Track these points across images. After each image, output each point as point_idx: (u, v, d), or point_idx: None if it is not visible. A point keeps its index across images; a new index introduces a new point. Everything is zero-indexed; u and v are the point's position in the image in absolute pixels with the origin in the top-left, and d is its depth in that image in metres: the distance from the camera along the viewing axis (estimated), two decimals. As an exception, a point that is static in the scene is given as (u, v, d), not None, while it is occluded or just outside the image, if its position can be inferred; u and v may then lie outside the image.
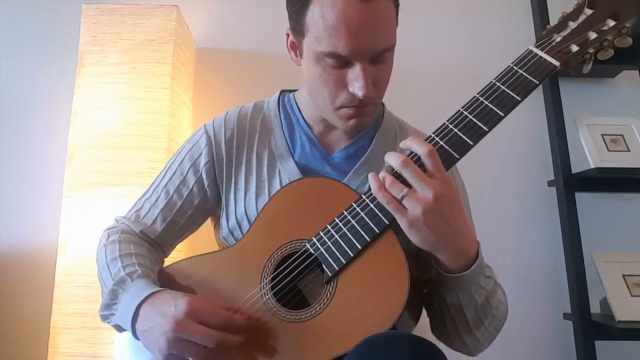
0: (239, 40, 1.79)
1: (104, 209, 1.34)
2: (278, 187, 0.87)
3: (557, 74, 1.44)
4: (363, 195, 0.75)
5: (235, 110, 0.96)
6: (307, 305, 0.74)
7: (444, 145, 0.73)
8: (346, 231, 0.74)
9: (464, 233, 0.71)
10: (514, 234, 1.72)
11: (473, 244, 0.73)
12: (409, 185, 0.69)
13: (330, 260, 0.73)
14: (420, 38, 1.82)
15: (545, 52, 0.76)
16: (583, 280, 1.58)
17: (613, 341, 1.56)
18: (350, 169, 0.89)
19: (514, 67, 0.76)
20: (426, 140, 0.74)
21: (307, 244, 0.76)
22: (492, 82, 0.76)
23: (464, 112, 0.75)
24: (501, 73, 0.76)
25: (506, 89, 0.74)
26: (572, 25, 0.77)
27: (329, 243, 0.74)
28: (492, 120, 0.73)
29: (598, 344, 1.53)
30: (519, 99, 0.73)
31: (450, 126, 0.74)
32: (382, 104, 0.97)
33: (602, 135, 1.66)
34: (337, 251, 0.73)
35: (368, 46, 0.75)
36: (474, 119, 0.73)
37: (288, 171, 0.89)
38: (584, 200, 1.70)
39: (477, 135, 0.73)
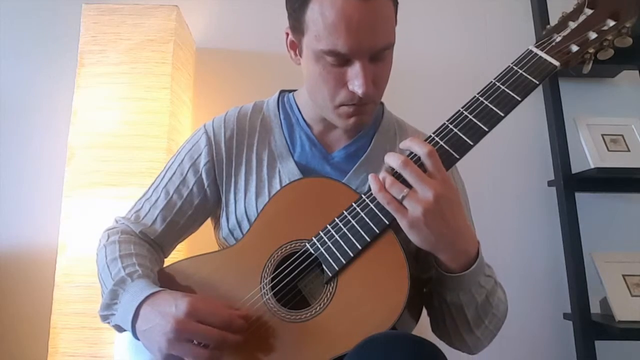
0: (239, 40, 1.79)
1: (104, 209, 1.34)
2: (278, 187, 0.87)
3: (557, 74, 1.44)
4: (363, 195, 0.75)
5: (234, 110, 0.96)
6: (307, 305, 0.74)
7: (444, 145, 0.73)
8: (346, 231, 0.74)
9: (464, 233, 0.71)
10: (514, 234, 1.72)
11: (473, 243, 0.73)
12: (409, 186, 0.69)
13: (330, 261, 0.73)
14: (420, 38, 1.82)
15: (545, 52, 0.76)
16: (583, 280, 1.58)
17: (613, 341, 1.56)
18: (350, 169, 0.89)
19: (514, 67, 0.76)
20: (426, 140, 0.74)
21: (307, 244, 0.76)
22: (492, 82, 0.76)
23: (464, 112, 0.75)
24: (501, 73, 0.76)
25: (506, 89, 0.74)
26: (572, 25, 0.77)
27: (329, 243, 0.74)
28: (492, 120, 0.73)
29: (598, 344, 1.53)
30: (519, 99, 0.74)
31: (450, 126, 0.74)
32: (382, 103, 0.98)
33: (602, 135, 1.66)
34: (337, 251, 0.73)
35: (368, 44, 0.75)
36: (474, 119, 0.74)
37: (288, 171, 0.89)
38: (584, 200, 1.70)
39: (477, 135, 0.73)
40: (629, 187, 1.67)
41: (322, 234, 0.75)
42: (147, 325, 0.69)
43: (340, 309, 0.71)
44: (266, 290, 0.75)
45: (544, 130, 1.77)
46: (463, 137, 0.73)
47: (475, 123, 0.73)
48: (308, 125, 0.93)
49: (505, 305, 0.81)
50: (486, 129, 0.73)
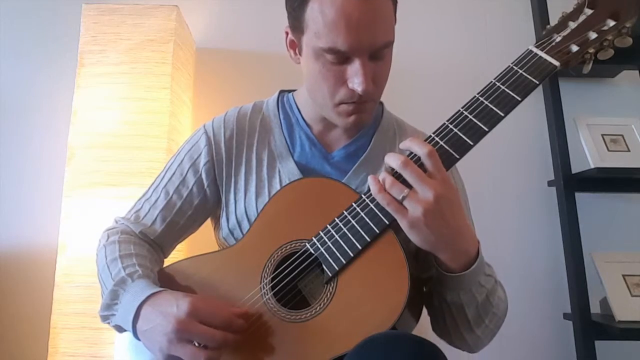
0: (239, 40, 1.79)
1: (104, 209, 1.34)
2: (278, 187, 0.87)
3: (557, 74, 1.44)
4: (363, 195, 0.75)
5: (234, 110, 0.96)
6: (307, 305, 0.74)
7: (444, 145, 0.73)
8: (346, 231, 0.74)
9: (464, 233, 0.71)
10: (514, 234, 1.72)
11: (473, 243, 0.73)
12: (409, 186, 0.69)
13: (330, 260, 0.73)
14: (420, 38, 1.82)
15: (545, 52, 0.76)
16: (583, 280, 1.58)
17: (613, 341, 1.56)
18: (349, 168, 0.89)
19: (514, 67, 0.76)
20: (426, 140, 0.74)
21: (307, 244, 0.76)
22: (492, 82, 0.76)
23: (464, 112, 0.75)
24: (501, 73, 0.76)
25: (506, 89, 0.74)
26: (572, 25, 0.77)
27: (329, 243, 0.74)
28: (492, 120, 0.73)
29: (598, 344, 1.53)
30: (519, 99, 0.74)
31: (450, 126, 0.74)
32: (381, 103, 0.98)
33: (602, 135, 1.66)
34: (337, 251, 0.73)
35: (367, 41, 0.75)
36: (474, 119, 0.74)
37: (288, 171, 0.89)
38: (584, 200, 1.70)
39: (477, 135, 0.73)
40: (629, 187, 1.67)
41: (322, 234, 0.75)
42: (148, 326, 0.69)
43: (340, 309, 0.71)
44: (266, 290, 0.76)
45: (544, 130, 1.77)
46: (463, 137, 0.73)
47: (475, 123, 0.73)
48: (308, 125, 0.93)
49: (506, 304, 0.82)
50: (486, 129, 0.73)
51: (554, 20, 0.81)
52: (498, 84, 0.75)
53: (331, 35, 0.74)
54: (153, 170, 1.34)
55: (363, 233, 0.73)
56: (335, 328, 0.70)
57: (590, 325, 1.53)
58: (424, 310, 0.86)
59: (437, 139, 0.74)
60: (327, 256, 0.74)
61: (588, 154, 1.62)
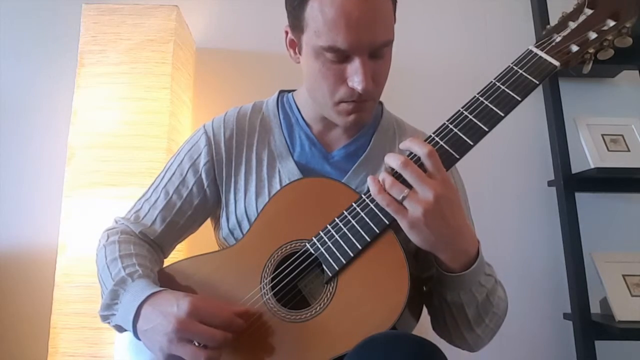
0: (239, 40, 1.79)
1: (104, 209, 1.34)
2: (278, 187, 0.87)
3: (557, 74, 1.44)
4: (363, 195, 0.75)
5: (234, 110, 0.96)
6: (307, 305, 0.74)
7: (444, 145, 0.73)
8: (346, 231, 0.74)
9: (464, 232, 0.71)
10: (514, 234, 1.72)
11: (473, 243, 0.73)
12: (409, 186, 0.69)
13: (331, 260, 0.73)
14: (420, 38, 1.82)
15: (545, 52, 0.76)
16: (583, 280, 1.58)
17: (613, 341, 1.56)
18: (349, 168, 0.89)
19: (514, 67, 0.76)
20: (426, 140, 0.74)
21: (307, 244, 0.76)
22: (492, 82, 0.76)
23: (464, 112, 0.75)
24: (501, 73, 0.76)
25: (506, 89, 0.74)
26: (572, 25, 0.77)
27: (329, 243, 0.74)
28: (492, 120, 0.73)
29: (598, 344, 1.53)
30: (519, 99, 0.74)
31: (450, 126, 0.74)
32: (381, 103, 0.98)
33: (602, 135, 1.66)
34: (337, 251, 0.73)
35: (367, 40, 0.75)
36: (474, 119, 0.74)
37: (288, 171, 0.89)
38: (584, 200, 1.70)
39: (477, 135, 0.73)
40: (629, 187, 1.67)
41: (322, 234, 0.75)
42: (148, 325, 0.69)
43: (340, 309, 0.71)
44: (266, 290, 0.76)
45: (544, 130, 1.77)
46: (463, 137, 0.73)
47: (476, 123, 0.73)
48: (307, 124, 0.93)
49: (506, 303, 0.82)
50: (486, 129, 0.73)
51: (554, 20, 0.81)
52: (498, 84, 0.75)
53: (331, 34, 0.75)
54: (153, 170, 1.34)
55: (363, 233, 0.73)
56: (336, 328, 0.70)
57: (590, 325, 1.53)
58: (424, 310, 0.86)
59: (437, 139, 0.74)
60: (327, 256, 0.74)
61: (588, 154, 1.62)
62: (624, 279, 1.55)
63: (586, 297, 1.57)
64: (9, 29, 1.76)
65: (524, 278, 1.68)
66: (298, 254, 0.76)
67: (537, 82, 0.74)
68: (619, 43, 0.76)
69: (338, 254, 0.73)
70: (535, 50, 0.77)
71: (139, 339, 0.72)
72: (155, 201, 0.90)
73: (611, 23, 0.75)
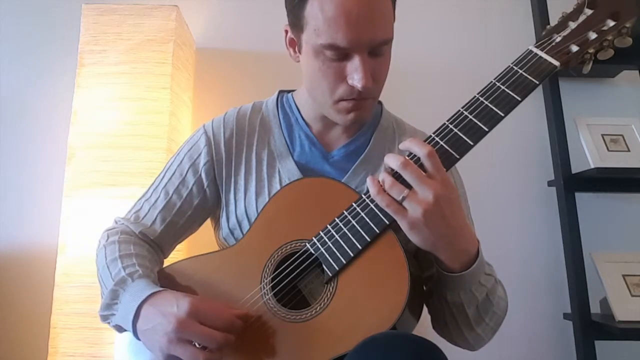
0: (239, 40, 1.79)
1: (104, 209, 1.34)
2: (278, 187, 0.87)
3: (557, 74, 1.44)
4: (363, 195, 0.75)
5: (233, 110, 0.96)
6: (307, 305, 0.74)
7: (444, 145, 0.73)
8: (346, 231, 0.74)
9: (464, 232, 0.71)
10: (514, 234, 1.72)
11: (473, 242, 0.73)
12: (409, 187, 0.69)
13: (331, 260, 0.73)
14: (420, 38, 1.82)
15: (545, 52, 0.76)
16: (583, 280, 1.58)
17: (613, 341, 1.56)
18: (349, 167, 0.89)
19: (514, 67, 0.76)
20: (426, 140, 0.74)
21: (307, 244, 0.76)
22: (492, 82, 0.76)
23: (464, 112, 0.75)
24: (501, 73, 0.77)
25: (506, 89, 0.74)
26: (572, 25, 0.77)
27: (329, 243, 0.74)
28: (492, 121, 0.73)
29: (598, 344, 1.53)
30: (519, 99, 0.74)
31: (450, 126, 0.74)
32: (380, 102, 0.98)
33: (602, 135, 1.66)
34: (338, 251, 0.73)
35: (367, 37, 0.75)
36: (474, 119, 0.74)
37: (287, 170, 0.89)
38: (584, 200, 1.70)
39: (477, 135, 0.73)
40: (628, 187, 1.67)
41: (322, 234, 0.75)
42: (148, 325, 0.69)
43: (340, 309, 0.71)
44: (266, 290, 0.76)
45: (544, 130, 1.77)
46: (463, 137, 0.73)
47: (475, 123, 0.73)
48: (307, 124, 0.93)
49: (506, 302, 0.82)
50: (486, 129, 0.73)
51: (554, 20, 0.81)
52: (498, 84, 0.75)
53: (331, 32, 0.75)
54: (153, 170, 1.33)
55: (363, 233, 0.73)
56: (336, 328, 0.70)
57: (590, 325, 1.53)
58: (424, 310, 0.86)
59: (437, 139, 0.74)
60: (327, 256, 0.74)
61: (588, 154, 1.62)
62: (624, 279, 1.55)
63: (586, 297, 1.57)
64: (9, 29, 1.76)
65: (524, 278, 1.68)
66: (298, 254, 0.76)
67: (537, 82, 0.74)
68: (618, 43, 0.76)
69: (338, 254, 0.73)
70: (535, 50, 0.77)
71: (138, 339, 0.72)
72: (155, 201, 0.90)
73: (611, 23, 0.75)
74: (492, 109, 0.74)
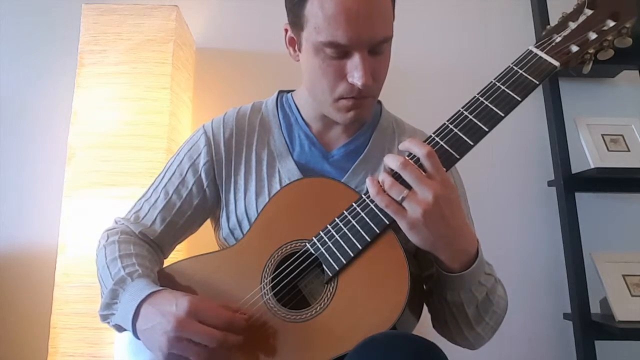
0: (239, 40, 1.79)
1: (104, 209, 1.34)
2: (278, 187, 0.87)
3: (557, 74, 1.44)
4: (363, 195, 0.75)
5: (233, 111, 0.96)
6: (307, 305, 0.74)
7: (444, 145, 0.73)
8: (346, 231, 0.74)
9: (463, 233, 0.72)
10: (514, 234, 1.72)
11: (472, 242, 0.73)
12: (408, 187, 0.69)
13: (331, 260, 0.73)
14: (420, 38, 1.82)
15: (545, 53, 0.76)
16: (583, 280, 1.58)
17: (613, 341, 1.56)
18: (349, 167, 0.89)
19: (514, 67, 0.76)
20: (426, 140, 0.74)
21: (307, 244, 0.76)
22: (492, 82, 0.76)
23: (464, 112, 0.75)
24: (501, 73, 0.77)
25: (506, 89, 0.74)
26: (572, 25, 0.77)
27: (329, 243, 0.74)
28: (492, 121, 0.73)
29: (598, 344, 1.53)
30: (519, 99, 0.74)
31: (451, 126, 0.74)
32: (380, 102, 0.98)
33: (602, 135, 1.67)
34: (338, 251, 0.73)
35: (367, 35, 0.76)
36: (474, 119, 0.74)
37: (287, 170, 0.89)
38: (584, 200, 1.70)
39: (477, 135, 0.73)
40: (628, 187, 1.67)
41: (322, 233, 0.75)
42: (147, 325, 0.69)
43: (340, 309, 0.71)
44: (266, 290, 0.76)
45: (544, 130, 1.77)
46: (463, 137, 0.73)
47: (475, 123, 0.73)
48: (307, 124, 0.93)
49: (506, 301, 0.82)
50: (486, 129, 0.73)
51: (554, 20, 0.81)
52: (498, 84, 0.75)
53: (331, 29, 0.75)
54: (153, 170, 1.33)
55: (363, 233, 0.73)
56: (336, 328, 0.70)
57: (590, 325, 1.53)
58: (425, 309, 0.86)
59: (437, 139, 0.74)
60: (327, 256, 0.74)
61: (588, 154, 1.62)
62: (624, 279, 1.55)
63: (586, 297, 1.57)
64: (9, 29, 1.76)
65: (524, 278, 1.68)
66: (298, 254, 0.76)
67: (537, 82, 0.74)
68: (618, 43, 0.76)
69: (338, 254, 0.73)
70: (535, 50, 0.77)
71: (138, 338, 0.72)
72: (155, 201, 0.90)
73: (611, 23, 0.75)
74: (492, 109, 0.74)
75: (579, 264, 1.59)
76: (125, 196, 1.32)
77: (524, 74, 0.75)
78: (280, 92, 0.99)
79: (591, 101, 1.80)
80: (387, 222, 0.72)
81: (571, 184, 1.65)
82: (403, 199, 0.68)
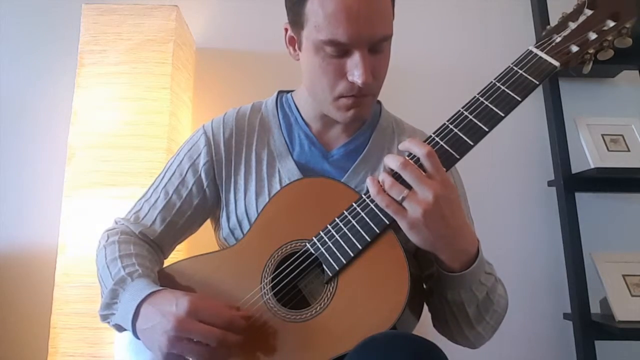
0: (239, 40, 1.79)
1: (104, 209, 1.34)
2: (278, 187, 0.87)
3: (557, 74, 1.44)
4: (363, 195, 0.75)
5: (233, 111, 0.96)
6: (307, 305, 0.74)
7: (444, 145, 0.73)
8: (346, 231, 0.74)
9: (463, 232, 0.72)
10: (514, 234, 1.72)
11: (472, 242, 0.73)
12: (408, 187, 0.69)
13: (331, 260, 0.73)
14: (420, 38, 1.82)
15: (545, 53, 0.76)
16: (583, 280, 1.58)
17: (613, 341, 1.56)
18: (349, 166, 0.89)
19: (514, 67, 0.76)
20: (426, 140, 0.74)
21: (307, 243, 0.76)
22: (492, 82, 0.76)
23: (464, 112, 0.75)
24: (501, 73, 0.77)
25: (506, 89, 0.74)
26: (572, 25, 0.77)
27: (329, 243, 0.74)
28: (492, 121, 0.73)
29: (598, 344, 1.53)
30: (519, 99, 0.74)
31: (451, 126, 0.74)
32: (379, 102, 0.98)
33: (602, 135, 1.67)
34: (338, 251, 0.73)
35: (367, 33, 0.76)
36: (474, 119, 0.74)
37: (287, 170, 0.89)
38: (584, 200, 1.70)
39: (477, 135, 0.73)
40: (629, 187, 1.67)
41: (322, 233, 0.75)
42: (147, 324, 0.70)
43: (340, 309, 0.71)
44: (266, 290, 0.76)
45: (544, 130, 1.77)
46: (463, 137, 0.73)
47: (476, 123, 0.73)
48: (307, 124, 0.93)
49: (506, 300, 0.82)
50: (486, 129, 0.73)
51: (554, 20, 0.81)
52: (498, 84, 0.75)
53: (331, 27, 0.75)
54: (153, 170, 1.34)
55: (363, 233, 0.73)
56: (336, 328, 0.70)
57: (590, 325, 1.53)
58: (425, 309, 0.86)
59: (437, 139, 0.74)
60: (327, 256, 0.74)
61: (588, 154, 1.62)
62: (624, 279, 1.55)
63: (586, 297, 1.57)
64: (9, 29, 1.77)
65: (524, 278, 1.68)
66: (298, 254, 0.76)
67: (537, 83, 0.74)
68: (618, 43, 0.76)
69: (338, 254, 0.73)
70: (535, 50, 0.77)
71: (138, 338, 0.72)
72: (155, 201, 0.90)
73: (611, 23, 0.75)
74: (492, 109, 0.74)
75: (579, 264, 1.59)
76: (125, 196, 1.32)
77: (524, 74, 0.75)
78: (280, 92, 1.00)
79: (591, 101, 1.80)
80: (387, 222, 0.72)
81: (571, 184, 1.65)
82: (403, 198, 0.68)
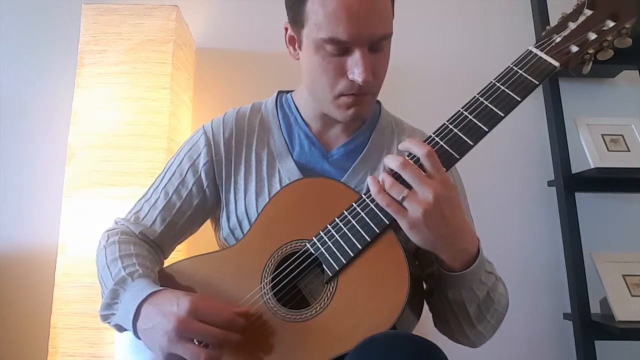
0: (239, 40, 1.79)
1: (104, 209, 1.34)
2: (278, 186, 0.87)
3: (557, 74, 1.44)
4: (363, 195, 0.75)
5: (233, 111, 0.96)
6: (307, 305, 0.74)
7: (444, 145, 0.73)
8: (346, 231, 0.74)
9: (464, 232, 0.72)
10: (514, 234, 1.72)
11: (473, 241, 0.73)
12: (408, 187, 0.69)
13: (331, 260, 0.73)
14: (420, 38, 1.82)
15: (545, 53, 0.76)
16: (583, 280, 1.58)
17: (613, 341, 1.56)
18: (349, 166, 0.89)
19: (514, 67, 0.76)
20: (426, 140, 0.74)
21: (307, 243, 0.76)
22: (492, 82, 0.76)
23: (464, 112, 0.75)
24: (501, 73, 0.77)
25: (506, 89, 0.75)
26: (572, 25, 0.77)
27: (329, 243, 0.74)
28: (492, 121, 0.73)
29: (598, 344, 1.53)
30: (519, 99, 0.74)
31: (450, 126, 0.74)
32: (379, 102, 0.98)
33: (602, 135, 1.67)
34: (338, 251, 0.73)
35: (367, 32, 0.76)
36: (474, 119, 0.74)
37: (287, 170, 0.89)
38: (584, 200, 1.70)
39: (477, 135, 0.73)
40: (628, 187, 1.67)
41: (322, 233, 0.75)
42: (148, 324, 0.70)
43: (340, 309, 0.71)
44: (266, 290, 0.76)
45: (544, 130, 1.77)
46: (463, 137, 0.73)
47: (475, 123, 0.73)
48: (306, 124, 0.93)
49: (506, 299, 0.82)
50: (486, 129, 0.73)
51: (554, 20, 0.81)
52: (498, 84, 0.75)
53: (331, 26, 0.75)
54: (153, 171, 1.34)
55: (363, 233, 0.73)
56: (336, 328, 0.70)
57: (590, 325, 1.53)
58: (425, 308, 0.86)
59: (437, 139, 0.74)
60: (327, 256, 0.74)
61: (588, 154, 1.62)
62: (624, 279, 1.55)
63: (586, 297, 1.57)
64: (9, 29, 1.77)
65: (524, 278, 1.68)
66: (298, 254, 0.76)
67: (537, 83, 0.74)
68: (618, 43, 0.76)
69: (338, 254, 0.73)
70: (535, 50, 0.77)
71: (139, 338, 0.72)
72: (155, 202, 0.90)
73: (611, 24, 0.75)
74: (492, 109, 0.74)
75: (579, 264, 1.59)
76: (125, 196, 1.32)
77: (523, 74, 0.75)
78: (280, 92, 1.00)
79: (591, 101, 1.80)
80: (387, 222, 0.72)
81: (571, 184, 1.65)
82: (403, 198, 0.69)
